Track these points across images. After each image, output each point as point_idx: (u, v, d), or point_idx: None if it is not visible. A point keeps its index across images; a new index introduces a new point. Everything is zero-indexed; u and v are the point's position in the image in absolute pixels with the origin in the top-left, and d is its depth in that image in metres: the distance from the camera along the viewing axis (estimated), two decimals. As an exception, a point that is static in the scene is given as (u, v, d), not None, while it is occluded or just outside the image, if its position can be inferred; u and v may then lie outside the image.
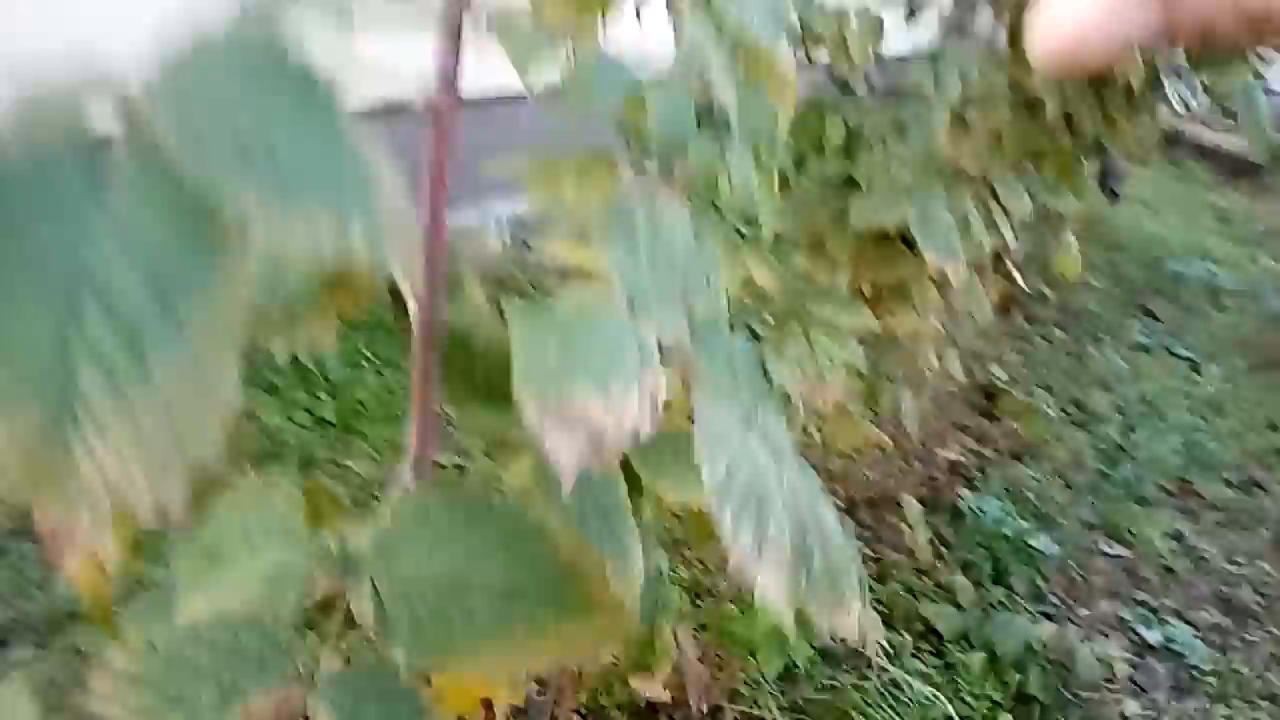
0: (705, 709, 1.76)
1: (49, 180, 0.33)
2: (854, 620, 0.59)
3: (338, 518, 0.66)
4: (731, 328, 0.66)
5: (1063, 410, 3.32)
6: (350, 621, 0.58)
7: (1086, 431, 3.21)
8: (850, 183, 1.54)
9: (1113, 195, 3.98)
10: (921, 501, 2.65)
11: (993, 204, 1.81)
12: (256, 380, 2.44)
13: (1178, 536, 2.81)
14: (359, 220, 0.34)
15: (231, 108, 0.35)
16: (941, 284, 1.83)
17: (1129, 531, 2.76)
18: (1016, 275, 2.43)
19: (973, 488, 2.78)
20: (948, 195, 1.64)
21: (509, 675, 0.65)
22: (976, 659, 2.06)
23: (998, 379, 3.39)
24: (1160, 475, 3.03)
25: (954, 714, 1.90)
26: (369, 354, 2.68)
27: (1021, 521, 2.57)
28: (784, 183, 1.59)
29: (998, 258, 2.20)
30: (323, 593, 0.60)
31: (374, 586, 0.58)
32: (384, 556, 0.59)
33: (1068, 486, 2.92)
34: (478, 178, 0.84)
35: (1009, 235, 1.88)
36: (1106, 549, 2.73)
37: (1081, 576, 2.53)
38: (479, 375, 0.68)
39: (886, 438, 2.27)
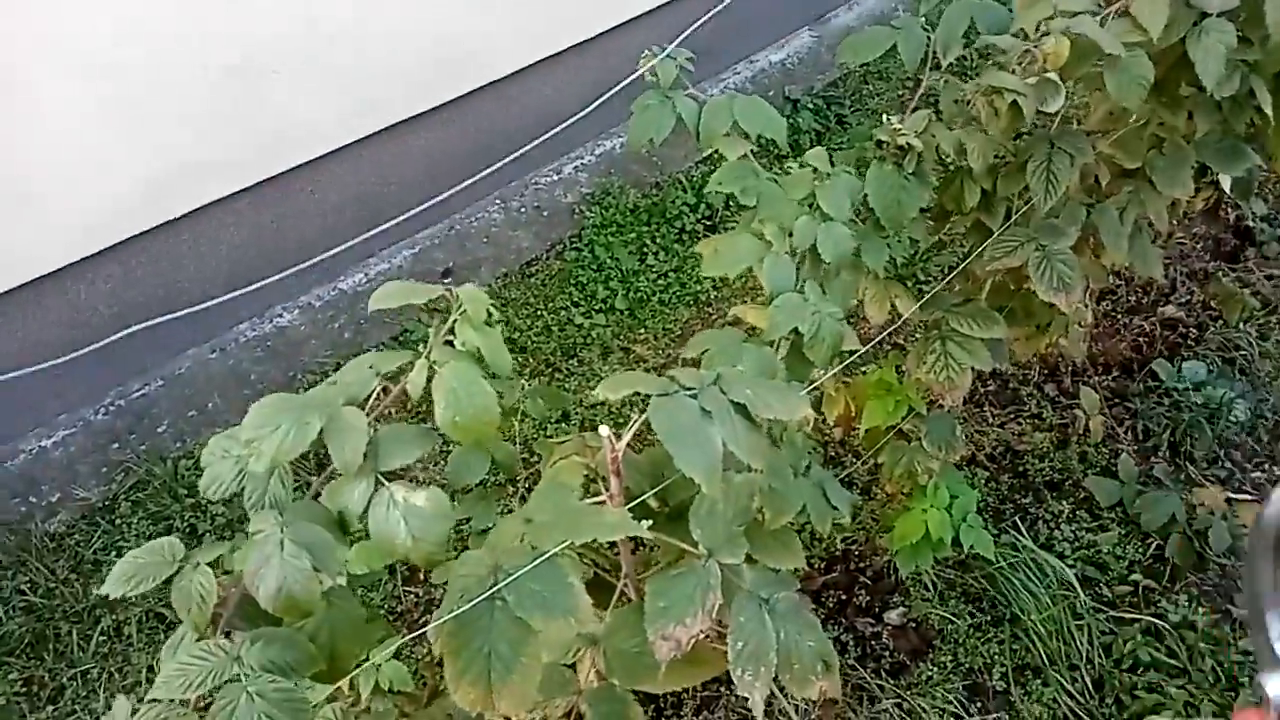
0: (876, 570, 2.48)
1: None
2: (816, 690, 1.29)
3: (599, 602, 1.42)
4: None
5: (1319, 251, 3.34)
6: (595, 665, 1.37)
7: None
8: (984, 227, 1.95)
9: None
10: (1123, 366, 3.02)
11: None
12: (571, 282, 3.25)
13: (1398, 392, 2.94)
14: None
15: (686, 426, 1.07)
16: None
17: (1344, 389, 2.95)
18: (1224, 182, 2.60)
19: (1186, 347, 3.06)
20: (1091, 208, 2.00)
21: (666, 689, 1.41)
22: (1126, 526, 2.56)
23: (1253, 214, 3.44)
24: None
25: (1088, 575, 2.46)
26: (649, 241, 3.38)
27: (1221, 386, 2.86)
28: (935, 227, 2.03)
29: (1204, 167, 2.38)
30: (586, 648, 1.38)
31: (604, 650, 1.35)
32: (608, 637, 1.36)
33: (1296, 340, 3.08)
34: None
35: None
36: (1314, 408, 2.95)
37: (1268, 441, 2.83)
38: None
39: (1089, 314, 2.67)
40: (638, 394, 1.21)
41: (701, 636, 1.23)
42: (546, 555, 1.09)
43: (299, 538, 0.85)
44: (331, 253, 2.63)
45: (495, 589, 1.07)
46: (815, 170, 1.64)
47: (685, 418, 1.17)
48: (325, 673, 0.92)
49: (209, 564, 0.88)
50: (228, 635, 0.91)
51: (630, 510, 1.28)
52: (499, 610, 1.07)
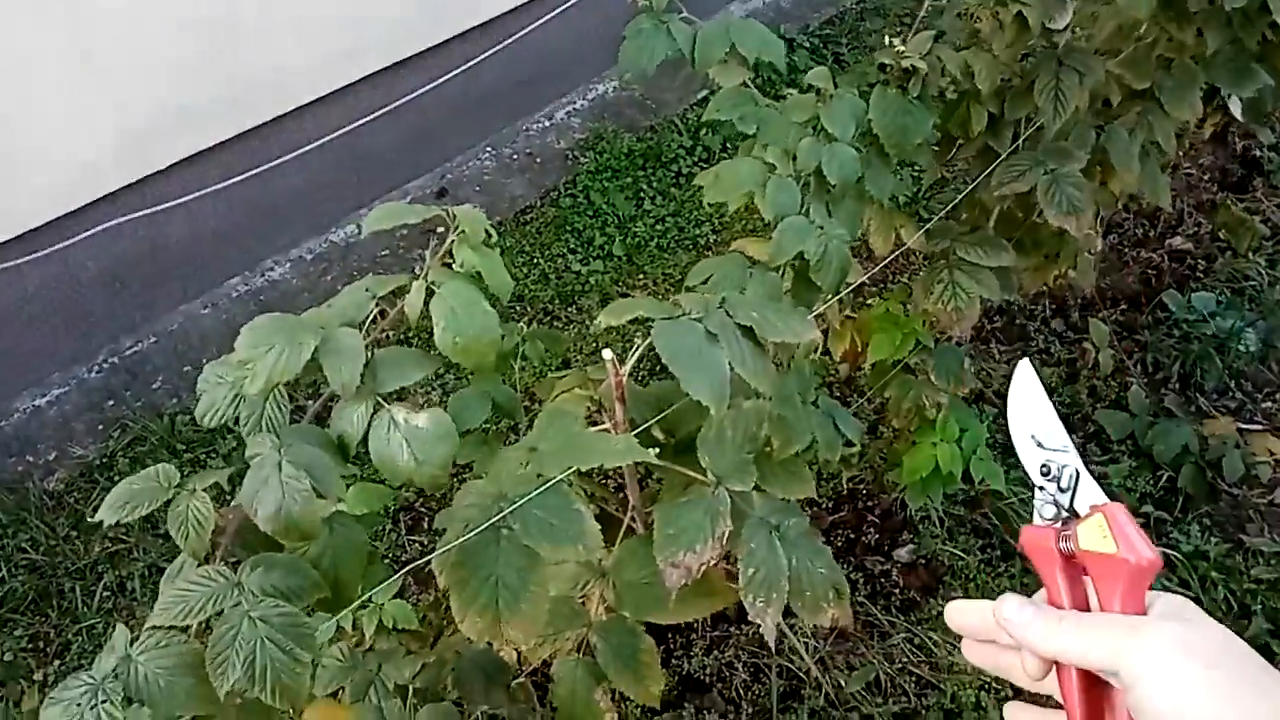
0: (885, 507, 2.46)
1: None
2: (828, 618, 1.26)
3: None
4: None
5: (1328, 178, 3.28)
6: (604, 597, 1.34)
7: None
8: (991, 152, 1.89)
9: None
10: (1131, 299, 2.98)
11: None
12: (567, 229, 3.19)
13: None
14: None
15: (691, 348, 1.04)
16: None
17: (1355, 315, 2.91)
18: (1233, 107, 2.55)
19: (1195, 278, 3.02)
20: (1101, 131, 1.95)
21: (675, 620, 1.38)
22: (1137, 458, 2.54)
23: (1260, 143, 3.37)
24: None
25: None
26: (645, 186, 3.32)
27: (1231, 317, 2.82)
28: (940, 154, 1.98)
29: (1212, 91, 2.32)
30: (595, 581, 1.35)
31: (613, 582, 1.33)
32: (616, 569, 1.33)
33: (1307, 267, 3.04)
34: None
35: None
36: (1324, 336, 2.92)
37: (1278, 370, 2.80)
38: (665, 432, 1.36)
39: (1099, 242, 2.63)
40: (640, 331, 1.17)
41: (711, 565, 1.21)
42: (552, 482, 1.06)
43: (297, 459, 0.82)
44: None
45: (501, 516, 1.04)
46: (818, 92, 1.58)
47: (690, 340, 1.14)
48: (329, 600, 0.89)
49: (204, 490, 0.84)
50: (229, 564, 0.87)
51: (636, 438, 1.25)
52: (505, 539, 1.04)
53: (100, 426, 2.67)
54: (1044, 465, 0.64)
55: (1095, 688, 0.57)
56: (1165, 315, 2.87)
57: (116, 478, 2.59)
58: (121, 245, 2.71)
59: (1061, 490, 0.63)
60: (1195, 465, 2.49)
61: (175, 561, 0.88)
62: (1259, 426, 2.66)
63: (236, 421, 0.91)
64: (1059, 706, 0.59)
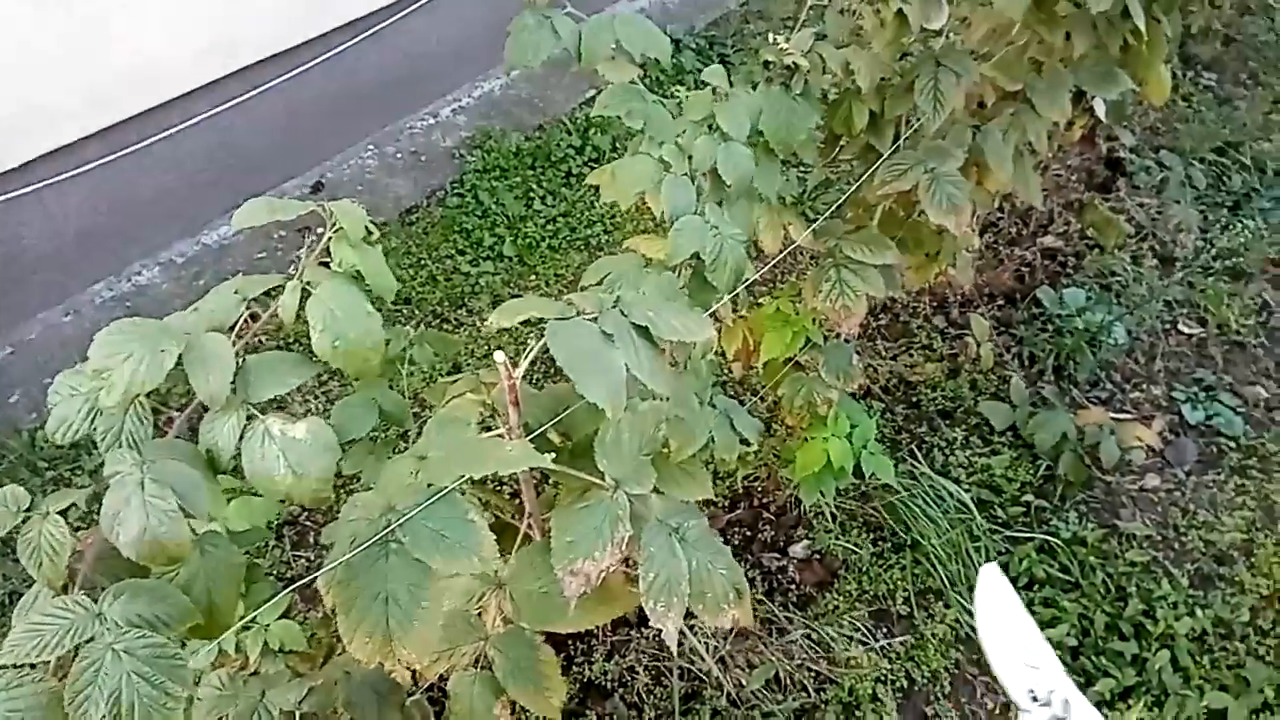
0: (780, 504, 2.49)
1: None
2: (729, 619, 1.25)
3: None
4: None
5: (1185, 179, 3.47)
6: (501, 608, 1.30)
7: (1200, 205, 3.39)
8: (873, 151, 1.93)
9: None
10: (1007, 295, 3.09)
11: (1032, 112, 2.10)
12: (455, 229, 3.12)
13: (1262, 310, 3.10)
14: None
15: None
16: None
17: (1209, 310, 3.08)
18: (1098, 109, 2.66)
19: (1065, 275, 3.15)
20: (976, 131, 2.00)
21: (576, 628, 1.36)
22: (1017, 449, 2.64)
23: (1122, 145, 3.54)
24: (1270, 247, 3.24)
25: (983, 498, 2.52)
26: (535, 186, 3.28)
27: (1100, 311, 2.96)
28: (824, 152, 2.01)
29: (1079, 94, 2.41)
30: (490, 592, 1.31)
31: (510, 593, 1.29)
32: (513, 579, 1.29)
33: (1165, 264, 3.20)
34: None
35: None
36: (1184, 328, 3.08)
37: (1145, 361, 2.95)
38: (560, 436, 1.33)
39: (976, 240, 2.72)
40: (535, 333, 1.14)
41: (611, 571, 1.19)
42: (444, 492, 1.02)
43: (162, 476, 0.76)
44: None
45: (389, 529, 0.99)
46: (714, 90, 1.58)
47: (585, 341, 1.11)
48: (204, 627, 0.82)
49: (60, 513, 0.77)
50: (89, 593, 0.80)
51: (531, 443, 1.22)
52: (394, 553, 1.00)
53: (-49, 445, 2.48)
54: (1031, 691, 0.64)
55: None
56: (1039, 310, 2.99)
57: (-31, 500, 2.41)
58: (-30, 250, 2.52)
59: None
60: (1074, 453, 2.59)
61: (29, 593, 0.81)
62: (1128, 415, 2.79)
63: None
64: None
